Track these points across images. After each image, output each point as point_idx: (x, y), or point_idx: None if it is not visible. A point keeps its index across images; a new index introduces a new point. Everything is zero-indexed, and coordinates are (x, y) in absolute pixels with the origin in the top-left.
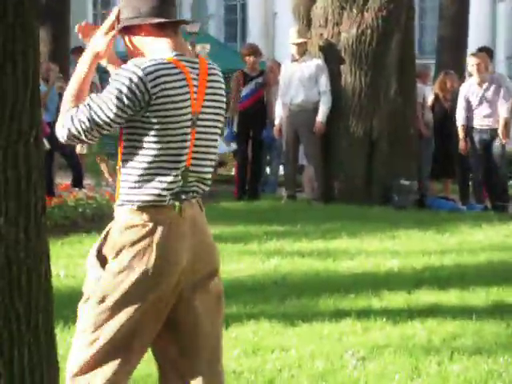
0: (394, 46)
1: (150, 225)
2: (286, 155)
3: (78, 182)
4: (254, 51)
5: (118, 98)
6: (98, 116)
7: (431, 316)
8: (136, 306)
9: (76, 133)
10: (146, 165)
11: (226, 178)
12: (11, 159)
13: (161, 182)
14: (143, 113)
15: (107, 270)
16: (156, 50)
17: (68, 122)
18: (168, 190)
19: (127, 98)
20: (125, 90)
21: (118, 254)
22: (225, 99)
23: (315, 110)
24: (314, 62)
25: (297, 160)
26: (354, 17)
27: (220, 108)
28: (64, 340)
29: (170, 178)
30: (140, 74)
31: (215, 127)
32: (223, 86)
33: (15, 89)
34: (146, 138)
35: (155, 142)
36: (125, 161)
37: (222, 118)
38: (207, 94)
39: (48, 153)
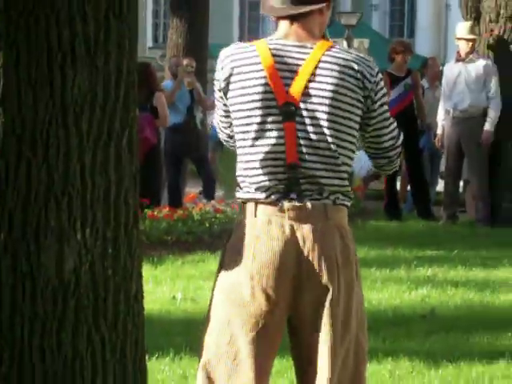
0: None
1: (250, 220)
2: (447, 169)
3: (208, 193)
4: (407, 48)
5: (214, 86)
6: (216, 119)
7: None
8: (230, 312)
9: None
10: (243, 156)
11: (378, 194)
12: (100, 163)
13: (257, 176)
14: (225, 100)
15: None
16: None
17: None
18: (266, 185)
19: (217, 84)
20: (215, 76)
21: (225, 251)
22: (352, 91)
23: (483, 117)
24: (482, 63)
25: (460, 175)
26: None
27: (333, 99)
28: (174, 372)
29: (266, 173)
30: (218, 62)
31: (326, 120)
32: (346, 75)
33: (107, 84)
34: (238, 128)
35: (242, 133)
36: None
37: (341, 112)
38: (312, 82)
39: (176, 158)
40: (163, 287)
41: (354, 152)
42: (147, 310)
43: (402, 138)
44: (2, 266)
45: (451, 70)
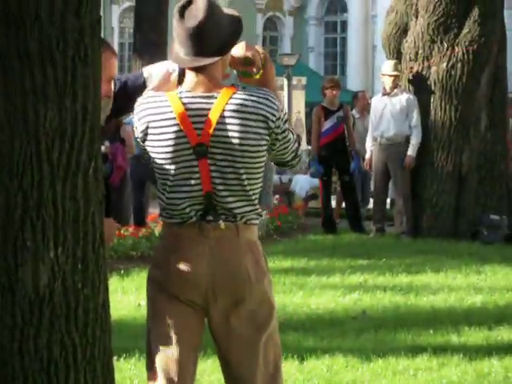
0: (485, 80)
1: (170, 239)
2: (375, 188)
3: None
4: (336, 84)
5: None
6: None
7: (510, 353)
8: (160, 318)
9: None
10: (165, 185)
11: (316, 212)
12: (70, 190)
13: (178, 203)
14: (143, 144)
15: None
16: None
17: None
18: (185, 210)
19: (135, 130)
20: (133, 123)
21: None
22: (257, 127)
23: (405, 143)
24: (405, 96)
25: (386, 193)
26: (444, 51)
27: (240, 138)
28: (140, 370)
29: (185, 201)
30: (135, 108)
31: (234, 156)
32: (253, 113)
33: (74, 122)
34: (157, 164)
35: (162, 168)
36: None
37: (247, 148)
38: (220, 124)
39: (140, 182)
40: (130, 296)
41: (261, 175)
42: (116, 316)
43: (298, 140)
44: None
45: (378, 102)
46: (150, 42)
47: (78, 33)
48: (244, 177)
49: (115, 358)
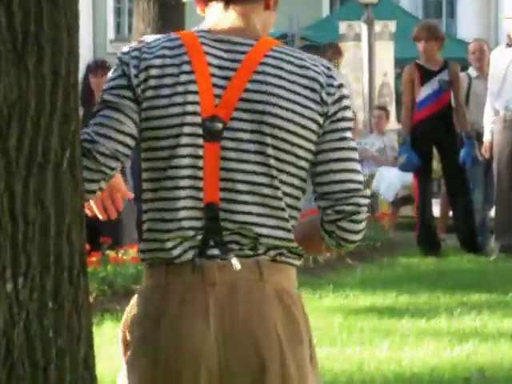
0: None
1: (156, 292)
2: (498, 188)
3: None
4: (431, 34)
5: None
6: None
7: None
8: None
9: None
10: (148, 199)
11: (410, 222)
12: (34, 193)
13: (165, 224)
14: (138, 112)
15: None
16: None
17: None
18: (176, 237)
19: (123, 91)
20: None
21: (125, 332)
22: (307, 108)
23: None
24: None
25: None
26: None
27: (281, 118)
28: None
29: (175, 219)
30: (127, 60)
31: (267, 145)
32: (302, 84)
33: (40, 93)
34: (145, 154)
35: (150, 162)
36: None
37: (290, 136)
38: (249, 92)
39: None
40: None
41: (303, 193)
42: (112, 377)
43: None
44: None
45: (500, 58)
46: None
47: None
48: (278, 179)
49: None
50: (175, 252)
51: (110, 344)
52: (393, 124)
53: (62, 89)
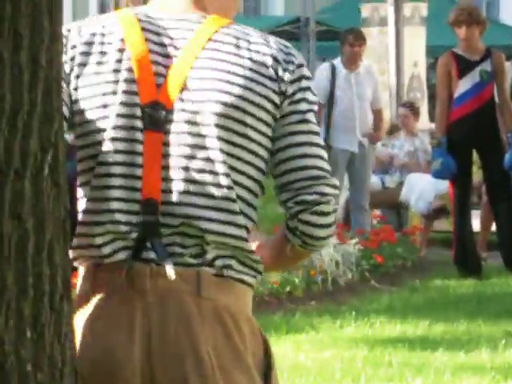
0: None
1: (82, 297)
2: None
3: None
4: (470, 17)
5: None
6: None
7: None
8: None
9: None
10: (81, 193)
11: (446, 238)
12: (10, 203)
13: (96, 221)
14: (69, 93)
15: None
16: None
17: None
18: (108, 236)
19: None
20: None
21: None
22: (262, 85)
23: None
24: None
25: None
26: None
27: (231, 101)
28: None
29: (108, 216)
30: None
31: (218, 134)
32: (257, 61)
33: (17, 85)
34: (80, 151)
35: (83, 154)
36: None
37: (243, 122)
38: (195, 72)
39: None
40: None
41: (262, 177)
42: None
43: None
44: None
45: None
46: None
47: None
48: (227, 165)
49: None
50: (105, 250)
51: None
52: (424, 124)
53: (43, 81)
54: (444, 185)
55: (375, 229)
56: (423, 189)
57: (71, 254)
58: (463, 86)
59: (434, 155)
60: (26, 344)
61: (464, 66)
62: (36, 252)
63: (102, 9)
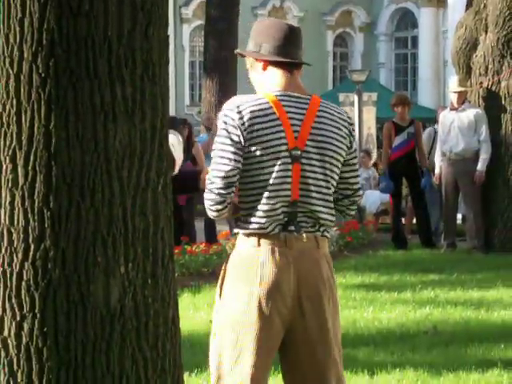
0: None
1: (253, 251)
2: (445, 204)
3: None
4: (403, 101)
5: (223, 139)
6: (223, 170)
7: None
8: (239, 331)
9: (215, 197)
10: (251, 196)
11: (387, 227)
12: (139, 206)
13: (264, 212)
14: (242, 149)
15: (219, 300)
16: (264, 85)
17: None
18: (271, 219)
19: (231, 141)
20: (225, 134)
21: (224, 280)
22: (343, 137)
23: (475, 158)
24: (473, 111)
25: (457, 208)
26: None
27: (331, 144)
28: None
29: (272, 209)
30: (233, 115)
31: (325, 162)
32: (340, 124)
33: (143, 140)
34: (249, 173)
35: (254, 176)
36: (239, 191)
37: (335, 155)
38: (314, 129)
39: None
40: (201, 312)
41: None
42: (188, 332)
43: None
44: (57, 296)
45: (446, 117)
46: (220, 59)
47: (146, 52)
48: (331, 184)
49: (187, 373)
50: (270, 227)
51: (187, 309)
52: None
53: (158, 138)
54: (386, 197)
55: (346, 221)
56: (374, 198)
57: (243, 230)
58: (397, 140)
59: (381, 179)
60: (148, 287)
61: (398, 129)
62: (154, 234)
63: (192, 97)
